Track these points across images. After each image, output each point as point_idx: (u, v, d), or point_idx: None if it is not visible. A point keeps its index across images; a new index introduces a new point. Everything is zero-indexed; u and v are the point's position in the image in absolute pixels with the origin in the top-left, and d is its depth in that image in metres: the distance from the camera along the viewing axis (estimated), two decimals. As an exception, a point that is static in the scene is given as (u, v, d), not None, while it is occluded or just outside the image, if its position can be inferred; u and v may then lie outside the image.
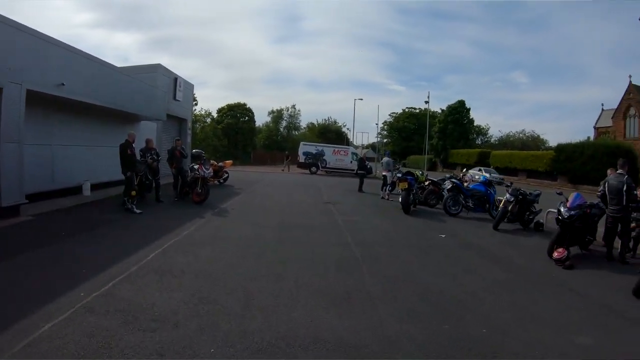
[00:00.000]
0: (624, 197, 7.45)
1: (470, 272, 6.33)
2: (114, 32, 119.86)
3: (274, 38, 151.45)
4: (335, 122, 73.14)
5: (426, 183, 14.77)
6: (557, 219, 7.90)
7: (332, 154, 33.90)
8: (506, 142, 66.33)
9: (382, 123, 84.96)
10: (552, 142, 65.69)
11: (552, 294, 5.56)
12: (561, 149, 36.00)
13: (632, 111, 51.28)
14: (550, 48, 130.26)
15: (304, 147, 34.71)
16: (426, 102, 41.35)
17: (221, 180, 17.86)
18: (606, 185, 7.92)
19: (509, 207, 10.79)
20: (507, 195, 10.90)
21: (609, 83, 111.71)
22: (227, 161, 19.67)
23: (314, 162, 33.49)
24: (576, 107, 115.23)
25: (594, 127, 58.73)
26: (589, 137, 51.27)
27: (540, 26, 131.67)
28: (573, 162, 33.22)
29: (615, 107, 53.78)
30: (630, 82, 51.56)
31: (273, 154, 55.46)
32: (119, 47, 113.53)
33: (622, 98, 52.62)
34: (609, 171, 8.57)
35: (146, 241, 6.86)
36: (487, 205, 12.80)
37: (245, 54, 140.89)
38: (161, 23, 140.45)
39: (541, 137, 69.03)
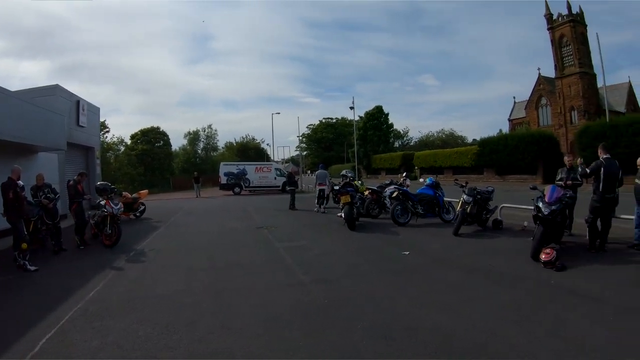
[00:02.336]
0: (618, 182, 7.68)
1: (469, 300, 5.51)
2: (21, 61, 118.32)
3: (186, 59, 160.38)
4: (253, 139, 76.84)
5: (366, 192, 14.07)
6: (535, 216, 7.68)
7: (254, 172, 34.01)
8: (427, 143, 73.64)
9: (301, 135, 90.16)
10: (470, 138, 73.69)
11: (573, 307, 5.02)
12: (485, 142, 39.20)
13: (543, 101, 59.85)
14: (455, 50, 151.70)
15: (224, 168, 34.42)
16: (351, 108, 42.92)
17: (137, 214, 16.85)
18: (602, 172, 7.80)
19: (468, 209, 10.50)
20: (464, 196, 10.69)
21: (514, 78, 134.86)
22: (142, 191, 18.69)
23: (236, 183, 33.37)
24: (486, 103, 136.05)
25: (509, 120, 67.57)
26: (501, 130, 57.57)
27: (445, 31, 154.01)
28: (498, 154, 36.04)
29: (527, 98, 62.32)
30: (540, 74, 60.15)
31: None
32: (28, 76, 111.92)
33: (533, 89, 61.20)
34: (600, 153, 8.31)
35: (40, 314, 5.38)
36: (437, 209, 12.64)
37: (158, 77, 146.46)
38: (69, 49, 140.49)
39: (459, 134, 75.55)
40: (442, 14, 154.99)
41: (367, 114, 67.33)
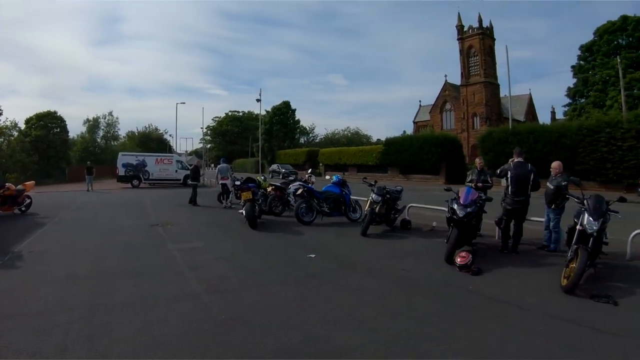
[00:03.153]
0: (529, 186, 7.74)
1: (386, 312, 4.93)
2: None
3: (91, 41, 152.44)
4: (157, 129, 73.67)
5: (269, 189, 13.25)
6: (449, 218, 7.45)
7: (154, 164, 32.60)
8: (332, 140, 75.21)
9: (206, 128, 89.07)
10: (375, 137, 78.19)
11: (498, 317, 4.70)
12: (390, 142, 40.57)
13: (448, 106, 65.78)
14: (367, 53, 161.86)
15: (122, 158, 32.67)
16: (258, 100, 42.20)
17: (22, 209, 15.16)
18: (509, 175, 7.88)
19: (376, 209, 10.17)
20: (373, 195, 10.34)
21: (421, 83, 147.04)
22: (28, 182, 16.67)
23: (135, 175, 31.74)
24: (392, 104, 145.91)
25: (413, 122, 72.72)
26: (405, 131, 62.01)
27: (358, 34, 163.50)
28: (403, 154, 37.36)
29: (433, 102, 67.99)
30: (446, 80, 66.55)
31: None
32: None
33: (439, 94, 67.05)
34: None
35: None
36: (344, 208, 12.20)
37: (60, 57, 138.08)
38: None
39: (365, 133, 79.25)
40: (358, 17, 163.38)
41: (274, 108, 67.58)
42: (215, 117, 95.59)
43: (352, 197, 12.49)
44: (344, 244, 8.95)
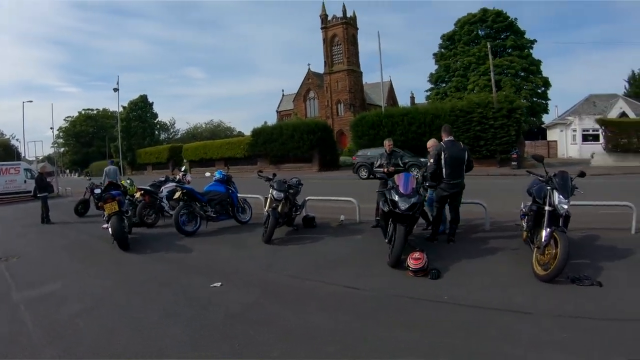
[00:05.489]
0: (464, 167, 7.02)
1: None
2: None
3: None
4: (2, 134, 68.81)
5: (137, 194, 10.72)
6: (388, 213, 6.17)
7: None
8: (194, 135, 73.82)
9: (57, 129, 79.14)
10: (239, 129, 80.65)
11: (512, 333, 3.57)
12: (258, 132, 39.13)
13: (312, 94, 67.27)
14: (225, 46, 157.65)
15: None
16: (115, 90, 37.69)
17: None
18: (443, 156, 6.92)
19: (279, 208, 8.49)
20: (274, 192, 8.60)
21: (284, 74, 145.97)
22: None
23: None
24: (254, 95, 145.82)
25: (277, 111, 73.76)
26: (266, 122, 62.16)
27: (216, 25, 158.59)
28: (273, 143, 36.32)
29: (296, 91, 68.81)
30: (310, 69, 67.32)
31: None
32: None
33: (302, 83, 68.20)
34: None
35: None
36: (232, 209, 10.33)
37: None
38: None
39: (228, 125, 78.58)
40: (217, 8, 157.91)
41: (130, 103, 63.31)
42: (68, 117, 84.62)
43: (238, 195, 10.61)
44: (250, 259, 7.09)
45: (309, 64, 69.25)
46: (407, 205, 5.86)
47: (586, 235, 7.13)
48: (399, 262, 5.67)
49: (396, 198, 5.95)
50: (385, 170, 7.81)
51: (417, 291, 4.93)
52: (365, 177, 23.32)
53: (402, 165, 8.19)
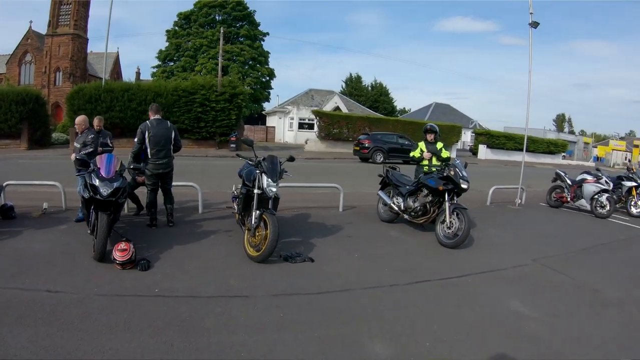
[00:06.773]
0: (172, 148, 6.94)
1: None
2: None
3: None
4: None
5: None
6: (89, 200, 5.41)
7: None
8: None
9: None
10: None
11: None
12: None
13: (29, 57, 54.85)
14: None
15: None
16: None
17: None
18: (147, 135, 6.64)
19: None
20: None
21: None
22: None
23: None
24: None
25: None
26: None
27: None
28: None
29: (11, 53, 55.56)
30: (31, 27, 54.75)
31: None
32: None
33: (20, 43, 55.32)
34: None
35: None
36: None
37: None
38: None
39: None
40: None
41: None
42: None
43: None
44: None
45: (30, 21, 58.34)
46: (110, 191, 5.28)
47: (298, 215, 7.90)
48: (105, 255, 5.09)
49: (97, 183, 5.31)
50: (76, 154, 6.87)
51: (125, 287, 4.47)
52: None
53: (110, 144, 7.45)
